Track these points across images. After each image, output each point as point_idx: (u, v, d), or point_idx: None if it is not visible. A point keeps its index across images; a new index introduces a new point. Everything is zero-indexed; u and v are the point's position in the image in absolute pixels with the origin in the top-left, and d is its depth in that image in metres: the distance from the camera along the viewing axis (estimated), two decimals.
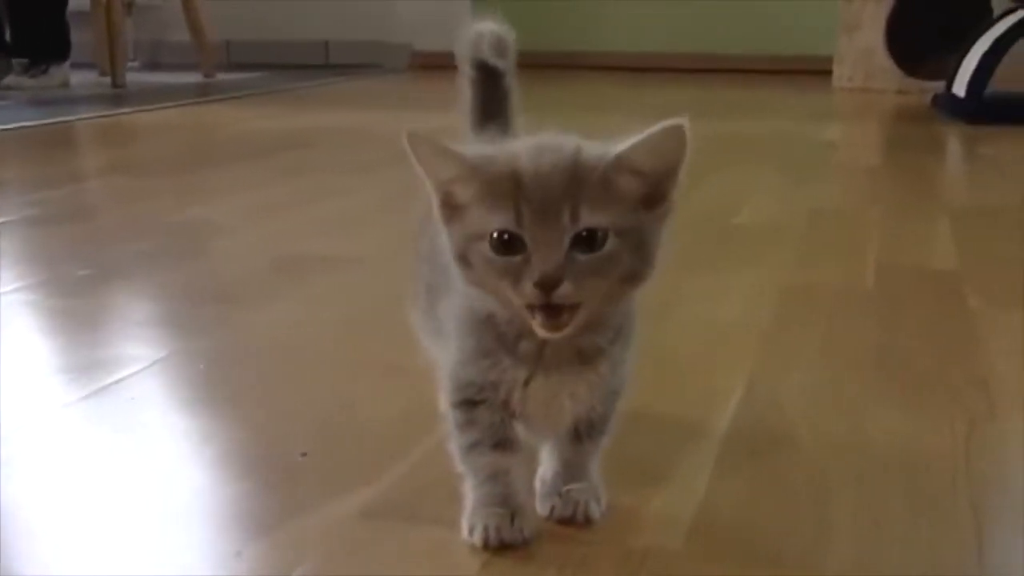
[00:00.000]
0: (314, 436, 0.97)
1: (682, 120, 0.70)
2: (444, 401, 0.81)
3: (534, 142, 0.74)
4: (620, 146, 0.71)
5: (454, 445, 0.80)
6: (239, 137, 3.12)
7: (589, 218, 0.69)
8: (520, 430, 0.79)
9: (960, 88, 3.39)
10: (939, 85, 3.82)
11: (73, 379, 1.13)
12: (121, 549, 0.79)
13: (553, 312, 0.69)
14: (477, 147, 0.76)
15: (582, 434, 0.81)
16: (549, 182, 0.69)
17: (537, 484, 0.84)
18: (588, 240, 0.69)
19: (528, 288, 0.69)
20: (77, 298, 1.45)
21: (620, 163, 0.71)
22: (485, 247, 0.71)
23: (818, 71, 4.61)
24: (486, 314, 0.75)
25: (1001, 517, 0.84)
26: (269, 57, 5.54)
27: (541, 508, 0.82)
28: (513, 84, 0.99)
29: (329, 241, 1.78)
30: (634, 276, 0.72)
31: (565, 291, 0.68)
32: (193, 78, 4.79)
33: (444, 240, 0.75)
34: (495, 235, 0.70)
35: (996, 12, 3.73)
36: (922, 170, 2.59)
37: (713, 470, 0.91)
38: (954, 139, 3.12)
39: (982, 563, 0.77)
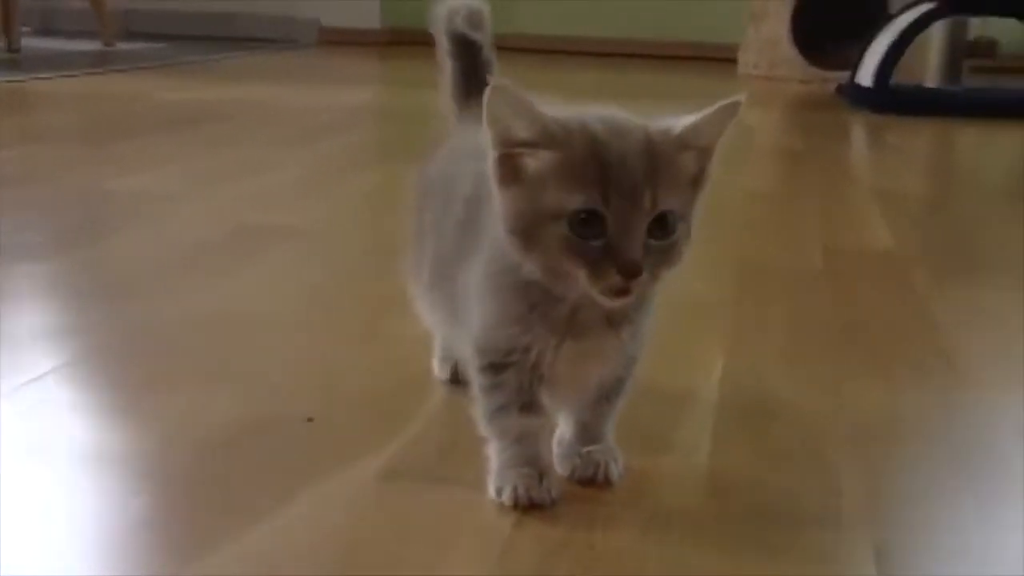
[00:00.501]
0: (315, 403, 0.97)
1: (741, 97, 0.72)
2: (469, 367, 0.82)
3: (600, 118, 0.72)
4: (682, 124, 0.72)
5: (480, 409, 0.81)
6: (152, 108, 3.05)
7: (665, 202, 0.70)
8: (544, 396, 0.80)
9: (866, 78, 3.51)
10: (841, 75, 3.97)
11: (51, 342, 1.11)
12: (142, 520, 0.78)
13: (623, 293, 0.70)
14: (554, 114, 0.72)
15: (603, 397, 0.83)
16: (633, 164, 0.69)
17: (555, 446, 0.86)
18: (660, 224, 0.70)
19: (611, 275, 0.69)
20: (37, 263, 1.41)
21: (684, 142, 0.72)
22: (562, 226, 0.69)
23: (724, 59, 4.72)
24: (524, 282, 0.74)
25: (988, 476, 0.90)
26: (170, 28, 5.40)
27: (561, 469, 0.84)
28: (492, 57, 1.01)
29: (276, 212, 1.76)
30: (682, 255, 0.73)
31: (644, 279, 0.70)
32: (91, 46, 4.63)
33: (496, 204, 0.73)
34: (577, 214, 0.69)
35: (893, 6, 3.88)
36: (841, 155, 2.68)
37: (712, 436, 0.94)
38: (864, 127, 3.24)
39: (980, 516, 0.82)
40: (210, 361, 1.09)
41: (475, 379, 0.81)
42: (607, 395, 0.84)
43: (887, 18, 3.63)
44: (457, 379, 0.99)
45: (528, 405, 0.79)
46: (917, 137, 3.09)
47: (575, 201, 0.69)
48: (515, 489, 0.79)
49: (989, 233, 1.85)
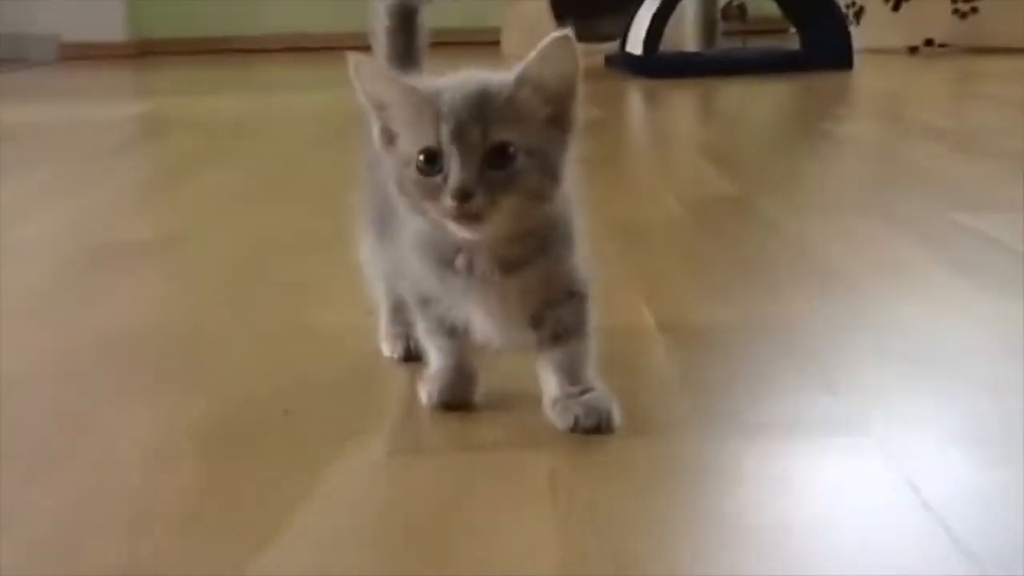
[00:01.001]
0: (281, 398, 0.95)
1: (567, 30, 0.78)
2: (407, 297, 0.92)
3: (457, 77, 0.81)
4: (516, 69, 0.79)
5: (418, 329, 0.92)
6: None
7: (497, 134, 0.77)
8: (486, 333, 0.87)
9: (635, 47, 3.70)
10: (604, 47, 4.15)
11: None
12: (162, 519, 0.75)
13: (467, 219, 0.77)
14: (407, 78, 0.84)
15: (558, 334, 0.87)
16: (463, 104, 0.77)
17: (547, 405, 0.87)
18: (499, 156, 0.77)
19: (447, 201, 0.77)
20: None
21: (520, 80, 0.79)
22: (412, 170, 0.79)
23: (489, 42, 4.82)
24: (428, 240, 0.84)
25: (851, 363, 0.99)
26: None
27: (562, 422, 0.85)
28: (424, 22, 1.03)
29: (127, 227, 1.68)
30: (541, 194, 0.80)
31: (477, 203, 0.77)
32: None
33: (386, 170, 0.83)
34: (420, 155, 0.78)
35: None
36: (640, 120, 2.82)
37: (673, 358, 1.00)
38: (643, 92, 3.41)
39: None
40: (141, 381, 1.04)
41: (413, 308, 0.91)
42: (563, 331, 0.86)
43: None
44: (410, 356, 1.00)
45: (452, 329, 0.89)
46: (693, 97, 3.30)
47: (418, 143, 0.79)
48: (431, 393, 0.90)
49: (806, 172, 2.01)
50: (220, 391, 0.98)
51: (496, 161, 0.77)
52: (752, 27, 3.97)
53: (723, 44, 4.06)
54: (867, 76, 3.59)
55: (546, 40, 0.78)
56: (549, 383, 0.88)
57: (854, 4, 4.29)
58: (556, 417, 0.86)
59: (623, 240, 1.46)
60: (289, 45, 5.18)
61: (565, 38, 0.78)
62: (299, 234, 1.56)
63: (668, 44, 3.76)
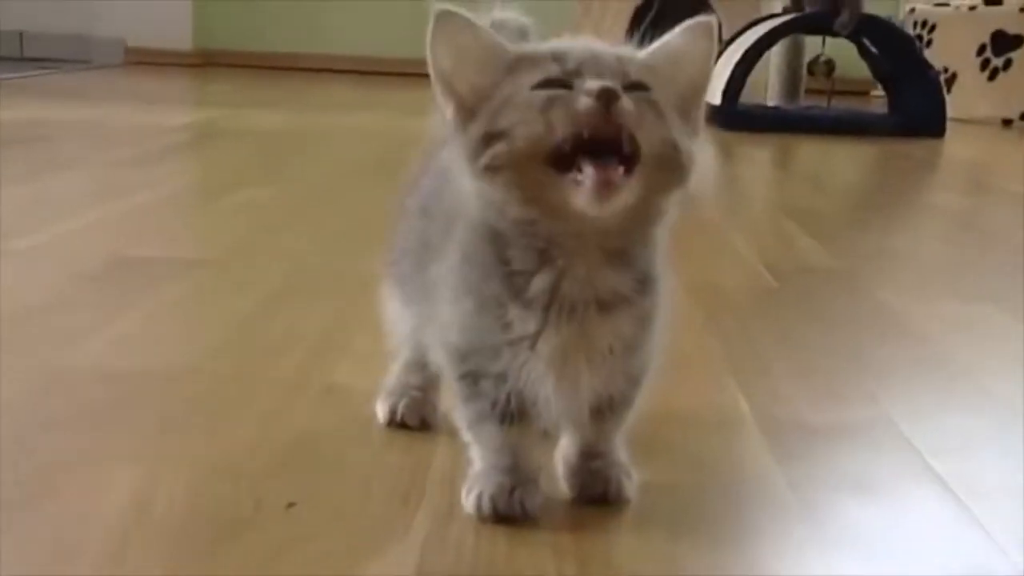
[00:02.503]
0: (285, 482, 0.76)
1: (711, 17, 0.66)
2: (445, 374, 0.74)
3: (576, 40, 0.68)
4: (651, 48, 0.67)
5: (459, 415, 0.73)
6: None
7: (641, 75, 0.64)
8: (538, 412, 0.70)
9: (714, 96, 3.51)
10: None
11: None
12: None
13: (606, 172, 0.61)
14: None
15: (603, 411, 0.72)
16: (594, 51, 0.65)
17: (559, 465, 0.76)
18: (637, 88, 0.63)
19: (583, 103, 0.61)
20: None
21: (655, 54, 0.67)
22: (521, 94, 0.63)
23: None
24: (497, 248, 0.66)
25: None
26: None
27: (568, 488, 0.75)
28: None
29: (156, 241, 1.52)
30: (673, 172, 0.65)
31: (626, 105, 0.61)
32: None
33: (456, 152, 0.66)
34: (537, 83, 0.63)
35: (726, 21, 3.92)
36: (719, 172, 2.63)
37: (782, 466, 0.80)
38: (718, 142, 3.21)
39: None
40: (130, 433, 0.86)
41: (453, 386, 0.73)
42: (610, 406, 0.72)
43: (737, 33, 3.64)
44: (393, 420, 0.85)
45: (510, 414, 0.70)
46: (773, 153, 3.11)
47: (533, 77, 0.63)
48: (480, 498, 0.70)
49: (904, 243, 1.81)
50: (213, 461, 0.79)
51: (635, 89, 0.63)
52: (837, 86, 3.76)
53: (806, 101, 3.86)
54: (958, 146, 3.37)
55: (687, 23, 0.66)
56: (568, 443, 0.75)
57: (946, 71, 4.08)
58: (562, 480, 0.75)
59: (707, 309, 1.27)
60: (352, 67, 5.06)
61: (709, 25, 0.66)
62: (328, 272, 1.37)
63: (747, 96, 3.57)
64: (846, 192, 2.62)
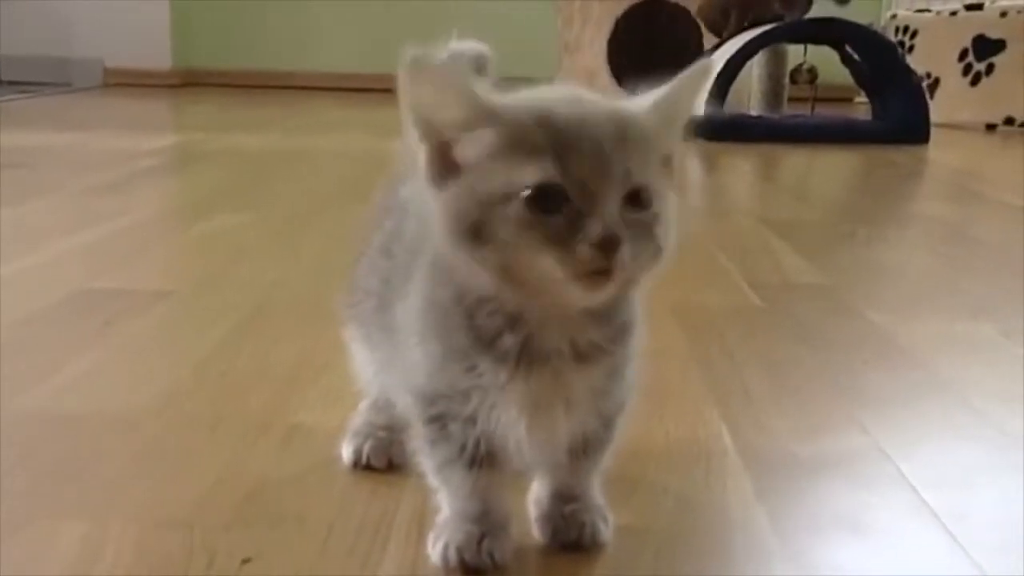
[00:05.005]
0: (247, 535, 0.72)
1: (709, 61, 0.63)
2: (410, 418, 0.69)
3: (560, 91, 0.62)
4: (653, 96, 0.61)
5: (425, 460, 0.69)
6: None
7: (639, 175, 0.58)
8: (509, 455, 0.67)
9: (697, 107, 3.48)
10: None
11: None
12: None
13: (598, 276, 0.57)
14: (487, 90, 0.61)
15: (577, 452, 0.69)
16: (598, 131, 0.58)
17: (531, 507, 0.72)
18: (635, 200, 0.58)
19: (584, 251, 0.56)
20: None
21: (657, 111, 0.61)
22: (516, 208, 0.57)
23: None
24: (464, 307, 0.62)
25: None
26: None
27: (540, 533, 0.71)
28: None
29: (121, 273, 1.47)
30: (661, 252, 0.60)
31: (623, 256, 0.57)
32: None
33: (432, 209, 0.60)
34: (533, 190, 0.57)
35: (708, 40, 3.90)
36: (702, 184, 2.60)
37: (762, 499, 0.76)
38: (700, 153, 3.18)
39: None
40: (79, 484, 0.81)
41: (420, 430, 0.68)
42: (585, 450, 0.68)
43: (716, 44, 3.61)
44: (359, 462, 0.82)
45: (479, 459, 0.67)
46: (755, 163, 3.08)
47: (528, 175, 0.57)
48: (447, 549, 0.67)
49: (891, 257, 1.77)
50: (166, 513, 0.75)
51: (634, 205, 0.58)
52: (820, 94, 3.74)
53: (789, 109, 3.83)
54: (942, 152, 3.34)
55: (692, 68, 0.61)
56: (541, 485, 0.72)
57: (929, 76, 4.06)
58: (534, 525, 0.71)
59: (689, 332, 1.23)
60: (337, 84, 5.02)
61: (707, 70, 0.62)
62: (299, 302, 1.32)
63: (730, 105, 3.54)
64: (831, 202, 2.59)
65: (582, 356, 0.63)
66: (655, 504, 0.79)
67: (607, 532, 0.71)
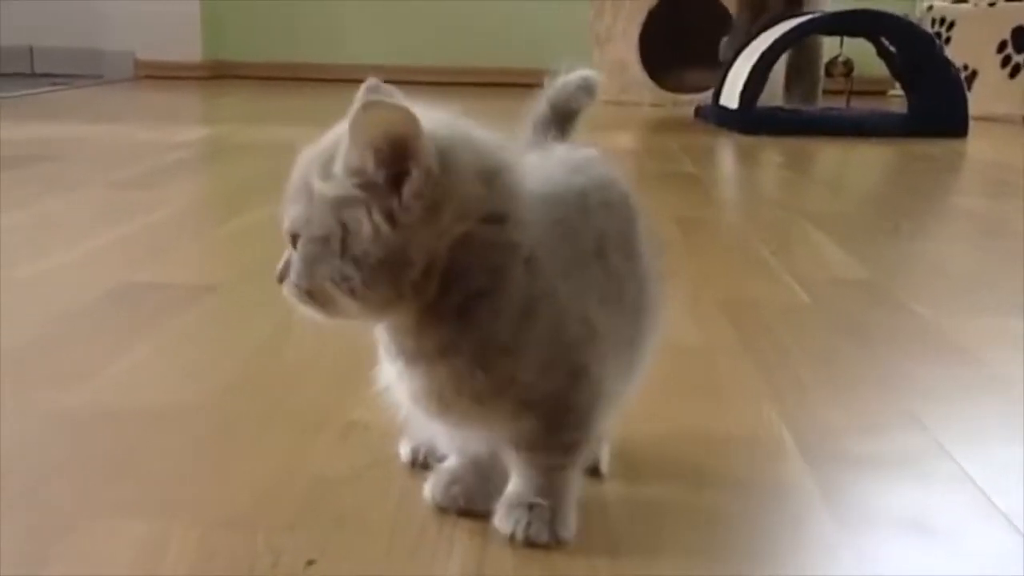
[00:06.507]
0: (309, 536, 0.72)
1: (377, 97, 0.63)
2: None
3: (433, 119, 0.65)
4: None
5: None
6: None
7: (288, 222, 0.67)
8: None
9: (731, 100, 3.45)
10: (691, 98, 3.94)
11: None
12: None
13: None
14: None
15: (519, 446, 0.70)
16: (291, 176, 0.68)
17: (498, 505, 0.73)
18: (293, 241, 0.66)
19: None
20: None
21: (322, 166, 0.65)
22: None
23: None
24: None
25: None
26: None
27: (503, 526, 0.71)
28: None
29: (162, 267, 1.47)
30: (351, 286, 0.63)
31: (287, 288, 0.67)
32: None
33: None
34: None
35: (736, 26, 3.87)
36: (739, 178, 2.58)
37: (830, 499, 0.74)
38: (740, 148, 3.16)
39: None
40: (137, 481, 0.81)
41: None
42: (522, 445, 0.69)
43: (750, 37, 3.58)
44: (416, 461, 0.82)
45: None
46: (792, 157, 3.05)
47: None
48: (432, 489, 0.75)
49: (933, 251, 1.75)
50: (226, 512, 0.74)
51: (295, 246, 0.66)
52: (855, 87, 3.71)
53: (823, 102, 3.80)
54: (980, 146, 3.30)
55: (351, 112, 0.62)
56: (511, 481, 0.73)
57: (966, 68, 4.02)
58: (499, 522, 0.71)
59: (739, 328, 1.22)
60: (366, 77, 5.02)
61: (370, 106, 0.61)
62: None
63: (765, 99, 3.51)
64: (869, 197, 2.56)
65: (413, 357, 0.67)
66: (720, 501, 0.78)
67: (545, 533, 0.70)
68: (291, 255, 0.67)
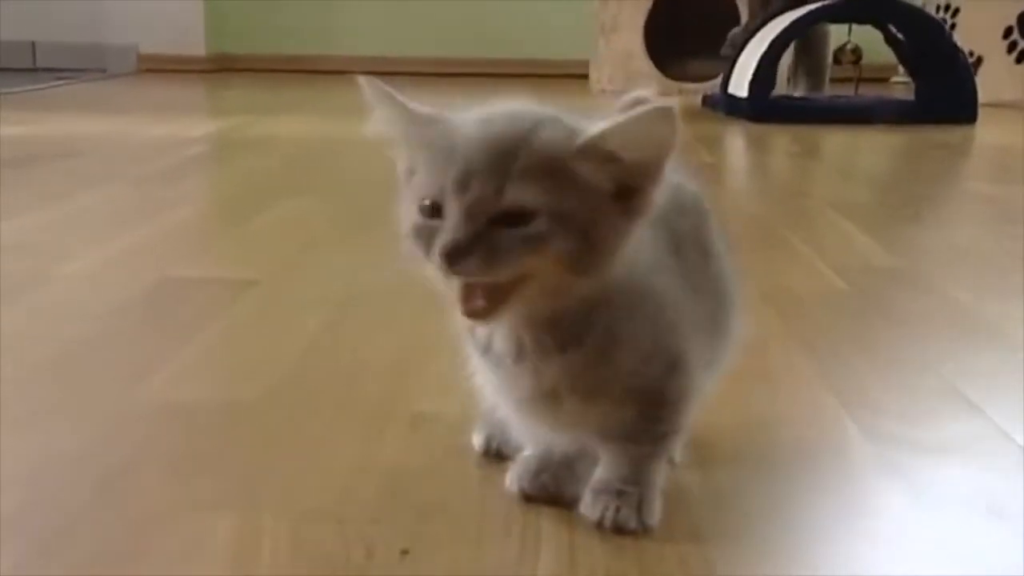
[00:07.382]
0: (399, 525, 0.72)
1: (672, 102, 0.61)
2: None
3: (499, 109, 0.66)
4: (595, 128, 0.63)
5: None
6: None
7: (518, 195, 0.61)
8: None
9: (740, 89, 3.46)
10: (696, 87, 3.95)
11: None
12: None
13: (468, 293, 0.62)
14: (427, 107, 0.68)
15: (612, 438, 0.72)
16: (480, 151, 0.62)
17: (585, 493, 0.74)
18: (514, 219, 0.61)
19: (435, 256, 0.61)
20: None
21: (587, 148, 0.62)
22: (416, 212, 0.64)
23: (575, 75, 4.62)
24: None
25: None
26: None
27: (590, 513, 0.72)
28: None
29: (202, 261, 1.48)
30: (578, 264, 0.62)
31: (470, 266, 0.61)
32: None
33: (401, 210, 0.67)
34: (424, 202, 0.63)
35: (744, 16, 3.88)
36: (753, 165, 2.59)
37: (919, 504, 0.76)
38: (746, 135, 3.17)
39: None
40: (216, 475, 0.82)
41: None
42: (625, 434, 0.71)
43: (758, 26, 3.59)
44: (490, 450, 0.83)
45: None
46: (803, 144, 3.06)
47: (424, 190, 0.63)
48: (513, 477, 0.76)
49: (960, 238, 1.76)
50: (311, 504, 0.75)
51: (510, 224, 0.61)
52: (866, 74, 3.72)
53: (831, 89, 3.81)
54: (988, 132, 3.32)
55: (641, 111, 0.61)
56: (599, 467, 0.74)
57: (972, 55, 4.03)
58: (586, 509, 0.72)
59: (784, 318, 1.23)
60: (371, 69, 5.01)
61: (665, 112, 0.60)
62: (386, 289, 1.28)
63: (774, 87, 3.52)
64: (887, 183, 2.57)
65: (531, 354, 0.66)
66: (792, 486, 0.79)
67: (633, 520, 0.71)
68: (476, 229, 0.61)
